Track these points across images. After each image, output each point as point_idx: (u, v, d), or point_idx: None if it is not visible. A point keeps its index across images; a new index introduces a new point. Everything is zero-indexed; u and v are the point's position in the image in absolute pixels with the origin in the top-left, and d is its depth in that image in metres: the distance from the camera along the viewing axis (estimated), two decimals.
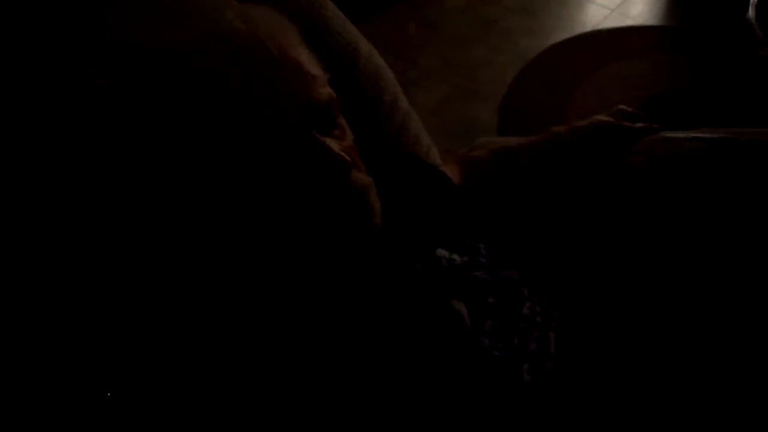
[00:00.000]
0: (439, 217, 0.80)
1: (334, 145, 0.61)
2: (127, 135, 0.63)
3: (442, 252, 0.71)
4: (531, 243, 0.84)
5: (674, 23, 2.09)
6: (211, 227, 0.63)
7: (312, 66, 0.64)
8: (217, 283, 0.64)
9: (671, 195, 0.83)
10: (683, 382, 0.72)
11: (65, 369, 0.65)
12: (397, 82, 1.08)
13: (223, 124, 0.59)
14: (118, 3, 0.75)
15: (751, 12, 1.60)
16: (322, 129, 0.62)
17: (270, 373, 0.60)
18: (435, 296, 0.66)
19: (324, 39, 0.94)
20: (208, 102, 0.58)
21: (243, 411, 0.59)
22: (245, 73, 0.58)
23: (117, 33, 0.66)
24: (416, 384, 0.61)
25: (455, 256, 0.71)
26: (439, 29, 2.21)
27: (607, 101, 1.60)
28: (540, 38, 2.12)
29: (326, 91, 0.63)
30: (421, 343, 0.63)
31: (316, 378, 0.60)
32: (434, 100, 1.98)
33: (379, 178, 0.69)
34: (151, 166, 0.62)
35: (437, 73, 2.09)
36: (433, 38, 2.19)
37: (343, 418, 0.60)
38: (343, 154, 0.60)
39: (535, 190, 0.90)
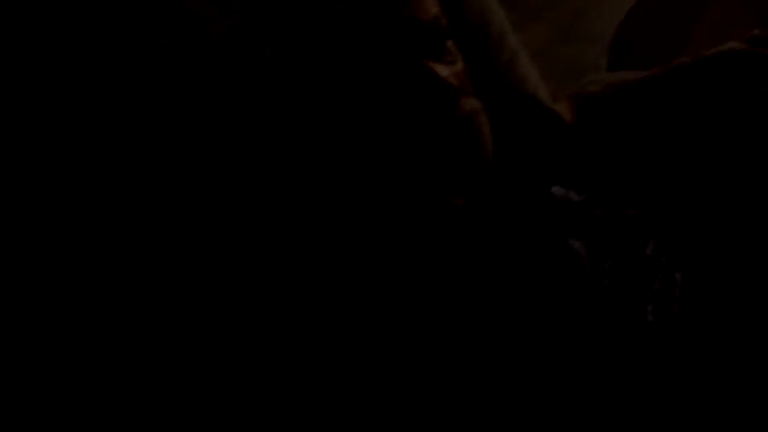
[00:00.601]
0: (552, 156, 0.76)
1: (442, 70, 0.59)
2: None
3: (558, 190, 0.68)
4: (653, 180, 0.79)
5: None
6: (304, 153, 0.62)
7: None
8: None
9: None
10: None
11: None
12: (505, 19, 1.03)
13: (325, 46, 0.58)
14: None
15: None
16: (430, 53, 0.60)
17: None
18: (551, 235, 0.64)
19: None
20: (309, 27, 0.58)
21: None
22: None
23: None
24: (535, 326, 0.59)
25: (572, 194, 0.68)
26: None
27: (735, 30, 1.47)
28: None
29: (435, 10, 0.61)
30: (538, 285, 0.61)
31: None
32: (537, 42, 1.89)
33: (491, 115, 0.67)
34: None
35: (539, 13, 1.99)
36: None
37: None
38: (451, 80, 0.59)
39: (658, 124, 0.84)
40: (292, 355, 0.60)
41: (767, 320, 0.66)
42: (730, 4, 1.70)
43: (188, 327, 0.63)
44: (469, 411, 0.57)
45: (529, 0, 2.03)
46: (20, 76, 0.65)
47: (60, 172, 0.65)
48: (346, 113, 0.59)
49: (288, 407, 0.60)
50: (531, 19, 1.98)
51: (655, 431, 0.59)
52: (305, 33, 0.58)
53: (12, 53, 0.65)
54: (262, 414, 0.60)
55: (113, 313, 0.65)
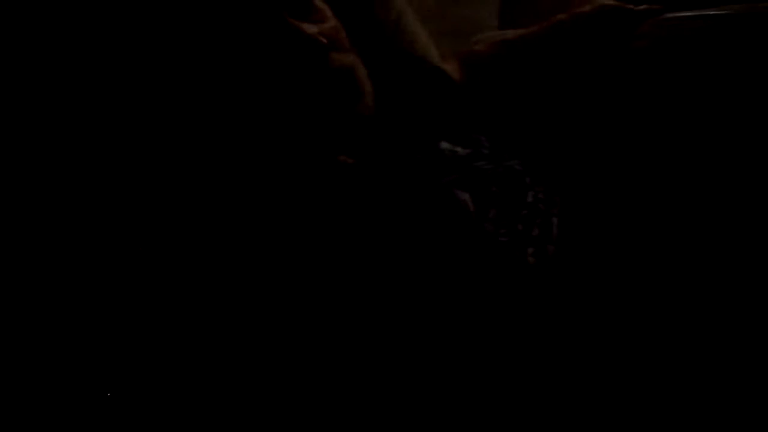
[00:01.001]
0: (440, 112, 0.79)
1: (310, 28, 0.60)
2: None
3: (444, 144, 0.71)
4: (533, 133, 0.83)
5: None
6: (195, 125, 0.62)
7: None
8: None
9: (675, 78, 0.82)
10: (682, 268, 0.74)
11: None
12: None
13: (192, 13, 0.58)
14: None
15: None
16: (296, 12, 0.60)
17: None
18: (439, 186, 0.66)
19: None
20: None
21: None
22: None
23: None
24: (424, 272, 0.62)
25: (458, 149, 0.71)
26: None
27: None
28: None
29: None
30: (426, 232, 0.64)
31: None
32: (430, 2, 1.91)
33: (376, 74, 0.68)
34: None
35: None
36: None
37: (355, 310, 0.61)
38: (318, 36, 0.59)
39: (538, 80, 0.89)
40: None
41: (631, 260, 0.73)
42: None
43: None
44: (364, 357, 0.60)
45: None
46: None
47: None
48: (223, 75, 0.59)
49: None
50: None
51: (536, 371, 0.64)
52: None
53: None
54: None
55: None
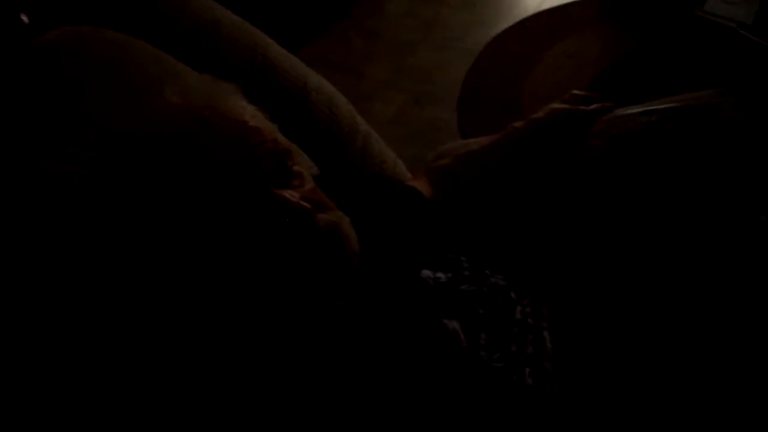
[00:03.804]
0: (416, 233, 0.81)
1: (293, 195, 0.62)
2: (95, 217, 0.64)
3: (426, 273, 0.72)
4: (510, 245, 0.85)
5: None
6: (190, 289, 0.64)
7: (257, 120, 0.65)
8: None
9: (632, 174, 0.85)
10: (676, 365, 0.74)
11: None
12: (352, 106, 1.09)
13: (180, 199, 0.60)
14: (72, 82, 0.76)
15: None
16: (278, 181, 0.63)
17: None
18: (427, 318, 0.67)
19: (273, 79, 0.94)
20: (162, 180, 0.60)
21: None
22: (188, 149, 0.60)
23: (75, 119, 0.67)
24: (421, 409, 0.61)
25: (440, 274, 0.72)
26: (383, 37, 2.23)
27: (561, 81, 1.62)
28: (484, 29, 2.14)
29: (274, 142, 0.64)
30: (420, 367, 0.64)
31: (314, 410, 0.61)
32: (391, 110, 1.99)
33: (351, 204, 0.70)
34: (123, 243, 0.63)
35: (389, 82, 2.10)
36: (379, 47, 2.20)
37: None
38: (302, 202, 0.62)
39: (504, 190, 0.91)
40: None
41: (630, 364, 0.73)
42: (554, 59, 1.86)
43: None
44: None
45: (378, 69, 2.14)
46: None
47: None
48: (216, 250, 0.60)
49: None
50: (384, 89, 2.08)
51: None
52: (159, 184, 0.60)
53: None
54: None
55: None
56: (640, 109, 0.91)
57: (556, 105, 0.96)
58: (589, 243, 0.85)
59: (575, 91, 0.98)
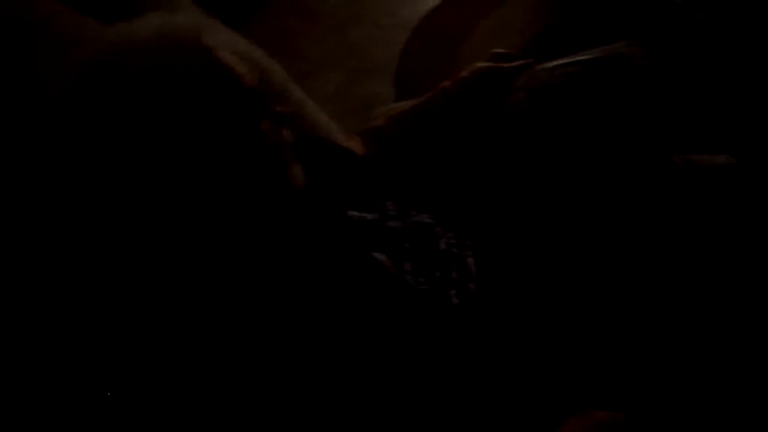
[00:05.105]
0: (346, 187, 0.84)
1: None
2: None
3: (352, 213, 0.76)
4: (437, 189, 0.89)
5: None
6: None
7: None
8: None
9: (553, 123, 0.91)
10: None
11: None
12: (286, 76, 1.10)
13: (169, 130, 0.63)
14: None
15: None
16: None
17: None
18: (354, 250, 0.71)
19: None
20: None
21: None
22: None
23: None
24: (354, 331, 0.65)
25: (366, 214, 0.76)
26: (319, 17, 2.23)
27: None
28: (418, 5, 2.18)
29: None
30: (350, 295, 0.68)
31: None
32: (331, 86, 2.01)
33: None
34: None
35: (328, 59, 2.11)
36: (315, 27, 2.21)
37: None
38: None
39: (434, 142, 0.96)
40: None
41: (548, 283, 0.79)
42: (483, 34, 1.92)
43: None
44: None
45: (316, 48, 2.15)
46: None
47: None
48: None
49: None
50: (321, 66, 2.09)
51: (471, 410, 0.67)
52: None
53: None
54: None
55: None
56: (556, 63, 0.96)
57: (480, 63, 1.00)
58: (512, 186, 0.90)
59: (496, 50, 1.02)
